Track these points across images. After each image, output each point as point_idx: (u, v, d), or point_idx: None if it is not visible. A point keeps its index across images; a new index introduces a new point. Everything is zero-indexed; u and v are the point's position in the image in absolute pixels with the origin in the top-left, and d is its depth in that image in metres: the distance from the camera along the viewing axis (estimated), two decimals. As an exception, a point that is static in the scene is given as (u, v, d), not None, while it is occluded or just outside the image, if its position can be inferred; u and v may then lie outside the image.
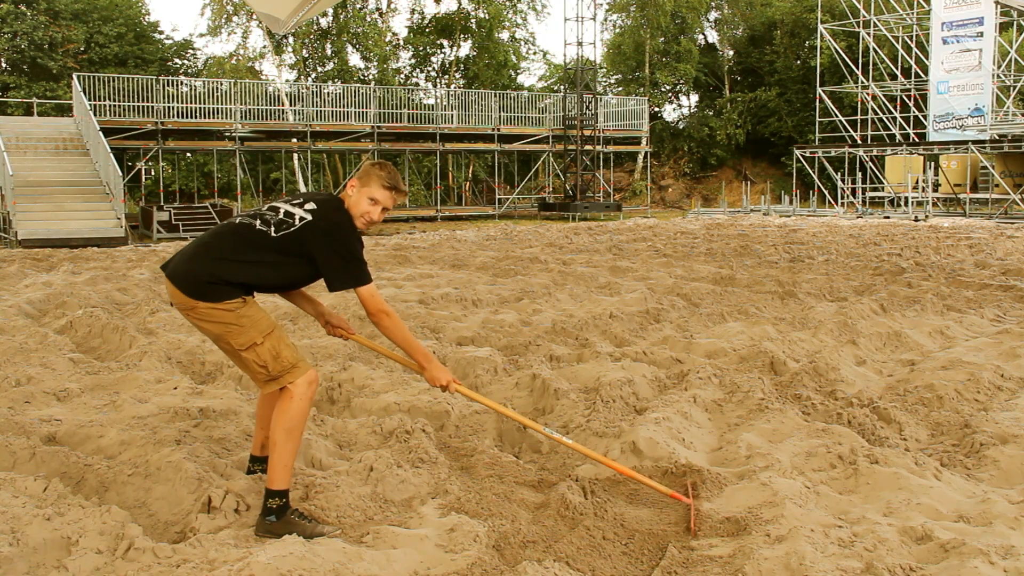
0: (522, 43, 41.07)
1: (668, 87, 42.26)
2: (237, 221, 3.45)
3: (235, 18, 35.55)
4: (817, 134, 31.79)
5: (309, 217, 3.37)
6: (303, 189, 31.72)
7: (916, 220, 23.89)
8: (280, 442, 3.29)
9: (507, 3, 38.75)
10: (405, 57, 39.29)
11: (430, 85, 38.85)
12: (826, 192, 30.08)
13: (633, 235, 19.10)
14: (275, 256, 3.35)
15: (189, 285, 3.29)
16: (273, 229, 3.36)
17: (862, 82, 30.49)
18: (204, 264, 3.31)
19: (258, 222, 3.39)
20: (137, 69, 32.56)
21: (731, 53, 42.28)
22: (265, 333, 3.32)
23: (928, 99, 28.73)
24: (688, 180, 40.04)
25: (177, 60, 38.07)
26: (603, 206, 29.44)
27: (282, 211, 3.42)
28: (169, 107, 24.48)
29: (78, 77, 23.49)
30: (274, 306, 8.08)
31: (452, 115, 29.23)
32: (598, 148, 30.80)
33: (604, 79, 42.00)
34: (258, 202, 29.67)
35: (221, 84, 26.63)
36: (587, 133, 29.62)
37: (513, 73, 40.58)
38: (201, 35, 55.25)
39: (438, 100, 31.36)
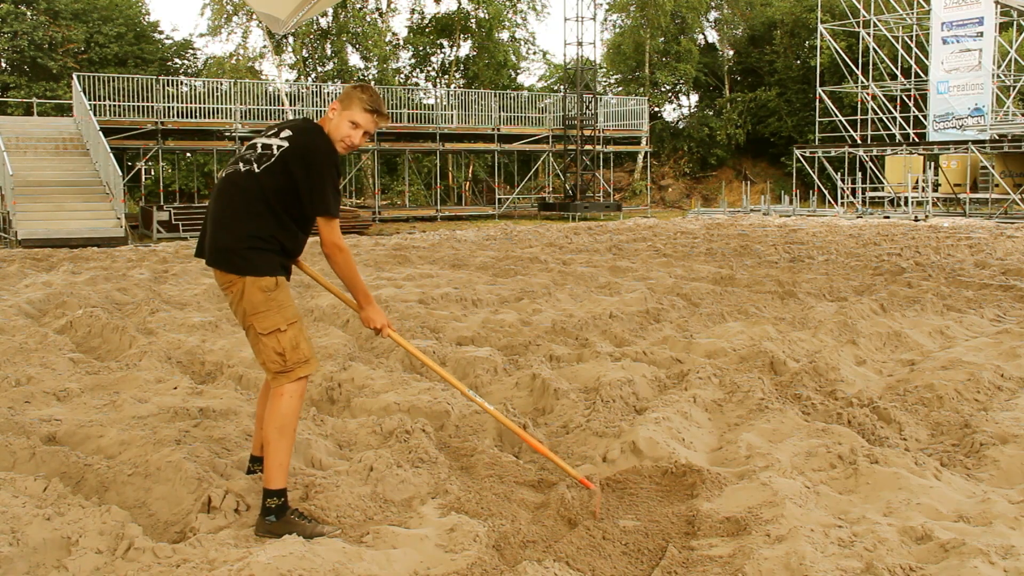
0: (522, 43, 41.10)
1: (668, 87, 42.27)
2: (225, 175, 3.44)
3: (235, 18, 35.55)
4: (817, 134, 31.79)
5: (286, 144, 3.36)
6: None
7: (916, 220, 23.90)
8: (274, 441, 3.29)
9: (507, 3, 38.75)
10: (405, 57, 39.33)
11: (430, 85, 38.86)
12: (826, 192, 30.08)
13: (633, 235, 19.10)
14: (269, 193, 3.32)
15: (227, 260, 3.31)
16: (255, 166, 3.35)
17: (862, 82, 30.50)
18: (226, 235, 3.31)
19: (241, 165, 3.38)
20: (137, 69, 32.56)
21: (731, 53, 42.28)
22: (290, 321, 3.33)
23: (928, 99, 28.73)
24: (688, 180, 40.05)
25: (177, 60, 38.08)
26: (603, 206, 29.44)
27: (259, 145, 3.41)
28: (169, 107, 24.48)
29: (78, 77, 23.49)
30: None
31: (452, 115, 29.24)
32: (598, 148, 30.80)
33: (604, 79, 42.02)
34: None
35: (221, 84, 26.63)
36: (587, 133, 29.63)
37: (513, 73, 40.59)
38: (201, 35, 55.33)
39: (438, 100, 31.37)
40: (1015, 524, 3.21)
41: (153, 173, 30.31)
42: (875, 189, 30.10)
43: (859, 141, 30.70)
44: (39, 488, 3.48)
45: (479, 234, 20.17)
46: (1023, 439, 4.17)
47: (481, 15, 37.29)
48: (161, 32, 38.23)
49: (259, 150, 3.39)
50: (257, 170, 3.33)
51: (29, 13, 32.33)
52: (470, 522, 3.27)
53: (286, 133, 3.41)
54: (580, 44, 29.64)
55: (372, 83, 32.80)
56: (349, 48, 36.55)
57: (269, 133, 3.45)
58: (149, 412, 4.73)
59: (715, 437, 4.52)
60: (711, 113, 40.90)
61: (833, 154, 30.22)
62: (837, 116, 30.95)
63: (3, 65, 33.66)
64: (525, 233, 20.29)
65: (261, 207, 3.32)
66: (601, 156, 31.68)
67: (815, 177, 29.66)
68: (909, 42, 29.91)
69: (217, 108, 25.49)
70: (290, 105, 27.78)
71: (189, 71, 37.75)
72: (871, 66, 30.33)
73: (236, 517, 3.45)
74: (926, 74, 28.73)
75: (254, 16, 32.81)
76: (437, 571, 2.99)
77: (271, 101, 28.08)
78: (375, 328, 3.54)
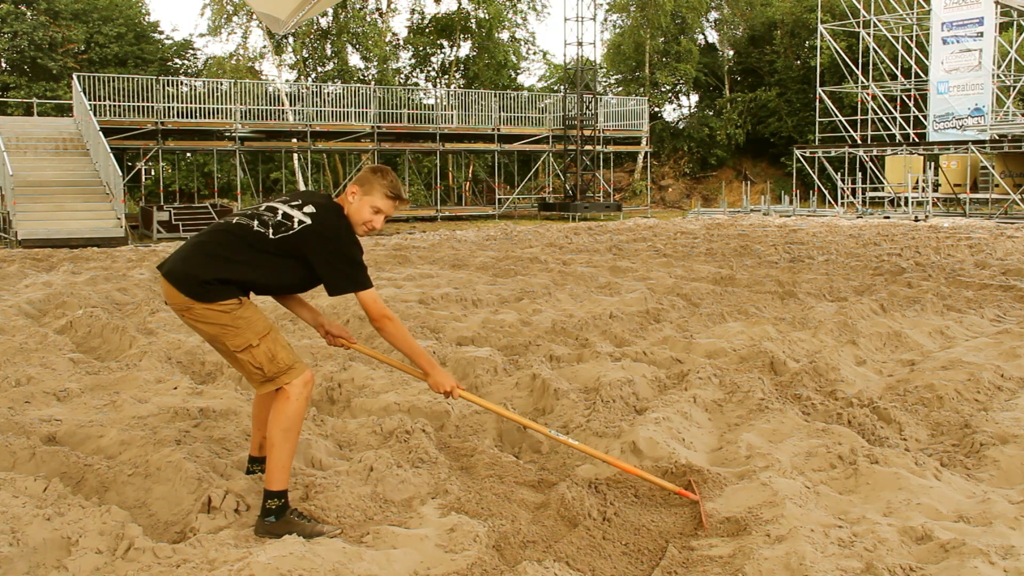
0: (522, 43, 41.10)
1: (668, 87, 42.27)
2: (234, 221, 3.40)
3: (235, 18, 35.56)
4: (817, 134, 31.80)
5: (308, 221, 3.33)
6: (303, 188, 31.72)
7: (916, 220, 23.90)
8: (277, 443, 3.28)
9: (507, 3, 38.75)
10: (405, 57, 39.34)
11: (430, 85, 38.87)
12: (826, 192, 30.08)
13: (633, 235, 19.10)
14: (272, 258, 3.31)
15: (185, 285, 3.25)
16: (271, 231, 3.31)
17: (862, 82, 30.50)
18: (200, 264, 3.27)
19: (255, 223, 3.34)
20: (137, 69, 32.57)
21: (731, 53, 42.28)
22: (261, 335, 3.29)
23: (928, 99, 28.73)
24: (688, 180, 40.05)
25: (177, 60, 38.09)
26: (603, 206, 29.44)
27: (280, 212, 3.37)
28: (169, 107, 24.48)
29: (78, 77, 23.49)
30: (273, 306, 8.08)
31: (452, 115, 29.24)
32: (598, 148, 30.80)
33: (604, 79, 42.02)
34: (258, 202, 29.68)
35: (221, 84, 26.64)
36: (587, 133, 29.63)
37: (513, 73, 40.59)
38: (201, 35, 55.34)
39: (438, 100, 31.36)
40: (1015, 524, 3.21)
41: (153, 173, 30.32)
42: (875, 189, 30.10)
43: (859, 141, 30.70)
44: (39, 488, 3.48)
45: (479, 234, 20.17)
46: (1023, 439, 4.17)
47: (481, 15, 37.29)
48: (161, 32, 38.25)
49: (278, 217, 3.34)
50: (271, 236, 3.30)
51: (29, 13, 32.33)
52: (470, 522, 3.26)
53: (309, 209, 3.36)
54: (580, 44, 29.65)
55: (372, 83, 32.80)
56: (349, 48, 36.57)
57: (292, 203, 3.41)
58: (149, 412, 4.73)
59: (715, 437, 4.52)
60: (711, 113, 40.90)
61: (833, 154, 30.22)
62: (837, 116, 30.95)
63: (3, 65, 33.67)
64: (525, 233, 20.29)
65: (257, 270, 3.30)
66: (601, 156, 31.68)
67: (815, 177, 29.66)
68: (909, 42, 29.91)
69: (217, 108, 25.49)
70: (290, 105, 27.79)
71: (189, 71, 37.78)
72: (871, 66, 30.33)
73: (236, 517, 3.45)
74: (926, 74, 28.73)
75: (254, 16, 32.81)
76: (437, 571, 2.99)
77: (271, 101, 28.09)
78: (444, 392, 3.53)
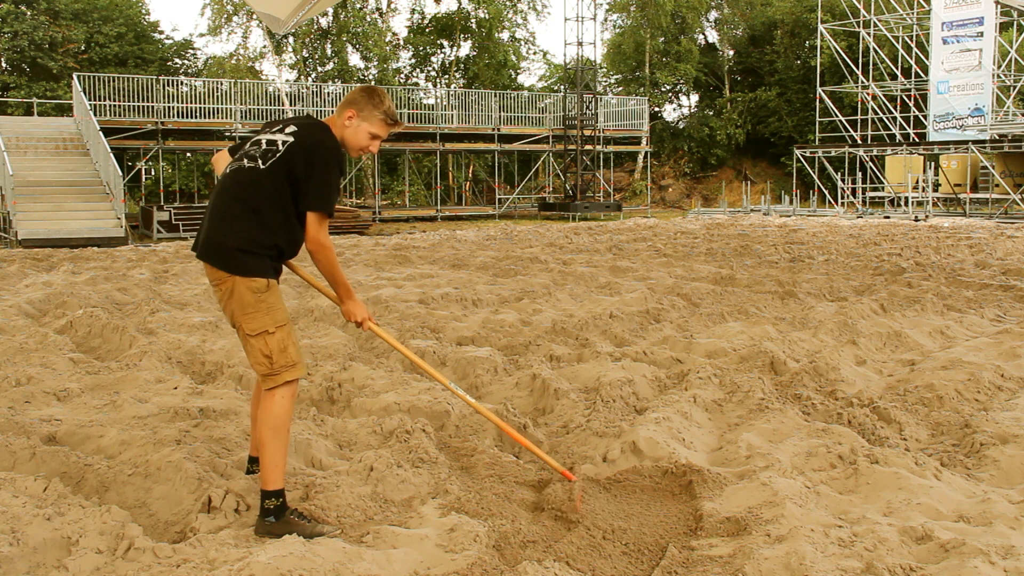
0: (522, 43, 41.11)
1: (668, 87, 42.27)
2: (229, 171, 3.41)
3: (235, 18, 35.57)
4: (817, 134, 31.80)
5: (291, 139, 3.34)
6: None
7: (916, 220, 23.89)
8: (268, 443, 3.29)
9: (507, 3, 38.75)
10: (405, 57, 39.35)
11: (430, 85, 38.87)
12: (826, 192, 30.08)
13: (633, 235, 19.10)
14: (270, 194, 3.30)
15: (220, 257, 3.29)
16: (261, 162, 3.33)
17: (862, 82, 30.50)
18: (224, 231, 3.29)
19: (246, 161, 3.36)
20: (137, 69, 32.57)
21: (731, 53, 42.29)
22: (279, 324, 3.31)
23: (928, 99, 28.73)
24: (688, 180, 40.05)
25: (177, 60, 38.09)
26: (603, 206, 29.44)
27: (264, 141, 3.39)
28: (169, 107, 24.48)
29: (78, 77, 23.49)
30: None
31: (452, 115, 29.24)
32: (598, 148, 30.80)
33: (604, 79, 42.02)
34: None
35: (221, 84, 26.64)
36: (587, 133, 29.62)
37: (513, 73, 40.59)
38: (201, 35, 55.34)
39: (438, 100, 31.37)
40: (1015, 524, 3.21)
41: (153, 173, 30.31)
42: (875, 189, 30.10)
43: (859, 141, 30.70)
44: (39, 488, 3.48)
45: (479, 234, 20.17)
46: (1023, 439, 4.17)
47: (481, 15, 37.30)
48: (161, 32, 38.25)
49: (264, 146, 3.37)
50: (262, 166, 3.32)
51: (29, 13, 32.33)
52: (470, 522, 3.26)
53: (291, 128, 3.39)
54: (580, 44, 29.64)
55: (372, 83, 32.79)
56: (349, 48, 36.56)
57: (274, 129, 3.43)
58: (149, 412, 4.73)
59: (715, 437, 4.52)
60: (711, 113, 40.90)
61: (833, 154, 30.22)
62: (837, 116, 30.95)
63: (3, 65, 33.67)
64: (525, 233, 20.29)
65: (264, 206, 3.30)
66: (601, 156, 31.68)
67: (815, 177, 29.66)
68: (909, 42, 29.91)
69: (217, 108, 25.49)
70: (290, 105, 27.78)
71: (189, 71, 37.77)
72: (871, 66, 30.33)
73: (236, 517, 3.45)
74: (926, 74, 28.73)
75: (254, 16, 32.82)
76: (437, 571, 2.99)
77: (271, 101, 28.08)
78: (356, 321, 3.53)
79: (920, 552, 3.02)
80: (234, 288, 3.29)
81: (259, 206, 3.30)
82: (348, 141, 3.42)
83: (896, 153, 28.47)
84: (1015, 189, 25.60)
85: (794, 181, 31.33)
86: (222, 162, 3.62)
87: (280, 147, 3.33)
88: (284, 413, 3.31)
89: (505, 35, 39.51)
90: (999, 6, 26.92)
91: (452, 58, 39.23)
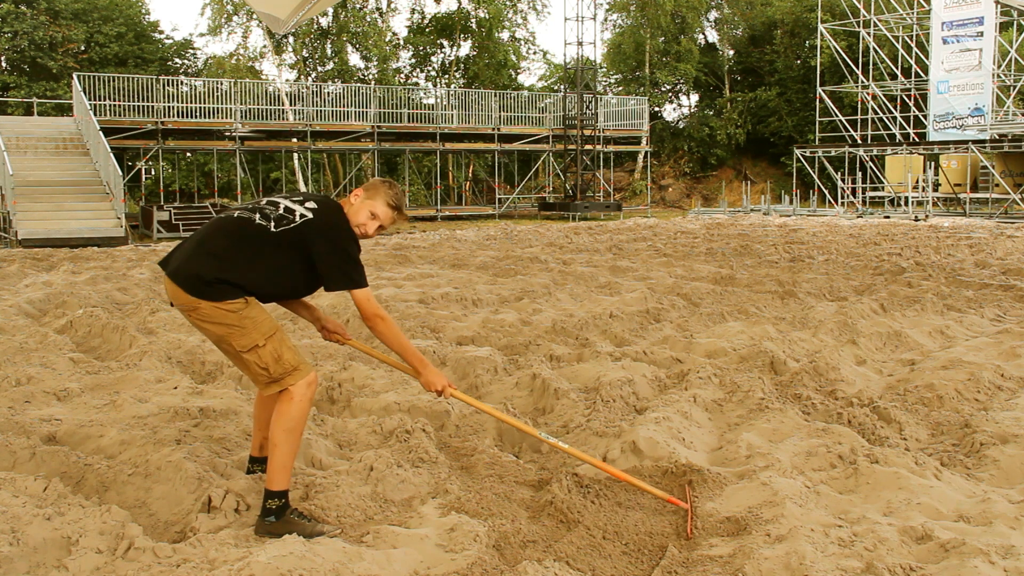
0: (522, 43, 41.11)
1: (668, 87, 42.27)
2: (236, 215, 3.40)
3: (235, 18, 35.55)
4: (817, 134, 31.79)
5: (310, 215, 3.35)
6: (303, 189, 31.74)
7: (916, 220, 23.89)
8: (280, 443, 3.28)
9: (507, 3, 38.75)
10: (405, 57, 39.34)
11: (430, 85, 38.86)
12: (826, 192, 30.08)
13: (633, 235, 19.10)
14: (272, 254, 3.31)
15: (191, 284, 3.24)
16: (273, 224, 3.32)
17: (862, 82, 30.49)
18: (203, 263, 3.25)
19: (257, 216, 3.35)
20: (137, 69, 32.56)
21: (731, 53, 42.28)
22: (267, 335, 3.29)
23: (928, 99, 28.73)
24: (688, 180, 40.04)
25: (177, 60, 38.07)
26: (603, 206, 29.44)
27: (282, 207, 3.39)
28: (169, 107, 24.48)
29: (78, 77, 23.49)
30: (273, 307, 8.08)
31: (452, 115, 29.24)
32: (598, 148, 30.80)
33: (604, 79, 42.01)
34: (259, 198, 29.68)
35: (221, 84, 26.63)
36: (587, 133, 29.62)
37: (513, 73, 40.59)
38: (201, 35, 55.27)
39: (438, 100, 31.37)
40: (1015, 524, 3.21)
41: (153, 173, 30.32)
42: (875, 189, 30.09)
43: (859, 141, 30.70)
44: (39, 488, 3.48)
45: (479, 234, 20.17)
46: (1023, 439, 4.17)
47: (481, 15, 37.30)
48: (161, 32, 38.23)
49: (280, 211, 3.37)
50: (273, 229, 3.31)
51: (29, 13, 32.32)
52: (470, 522, 3.26)
53: (311, 205, 3.40)
54: (580, 44, 29.64)
55: (372, 83, 32.81)
56: (349, 48, 36.57)
57: (293, 199, 3.45)
58: (149, 412, 4.73)
59: (715, 437, 4.52)
60: (711, 113, 40.90)
61: (833, 154, 30.22)
62: (837, 116, 30.95)
63: (3, 65, 33.67)
64: (525, 233, 20.29)
65: (257, 261, 3.29)
66: (601, 156, 31.67)
67: (815, 177, 29.66)
68: (909, 42, 29.90)
69: (217, 108, 25.49)
70: (290, 105, 27.79)
71: (189, 71, 37.76)
72: (871, 66, 30.32)
73: (236, 517, 3.45)
74: (926, 74, 28.73)
75: (254, 16, 32.81)
76: (437, 571, 2.99)
77: (271, 101, 28.09)
78: (436, 391, 3.54)
79: (920, 552, 3.02)
80: (210, 313, 3.25)
81: (252, 258, 3.29)
82: (351, 218, 3.46)
83: (896, 153, 28.47)
84: (1015, 189, 25.59)
85: (794, 181, 31.33)
86: None
87: (296, 219, 3.34)
88: (300, 415, 3.31)
89: (505, 35, 39.55)
90: (999, 6, 26.92)
91: (452, 58, 39.24)
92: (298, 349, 3.45)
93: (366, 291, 3.38)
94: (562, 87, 32.10)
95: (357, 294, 3.35)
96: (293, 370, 3.31)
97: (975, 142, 25.83)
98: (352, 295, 3.37)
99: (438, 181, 30.02)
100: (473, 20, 37.63)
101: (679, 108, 44.39)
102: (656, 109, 40.91)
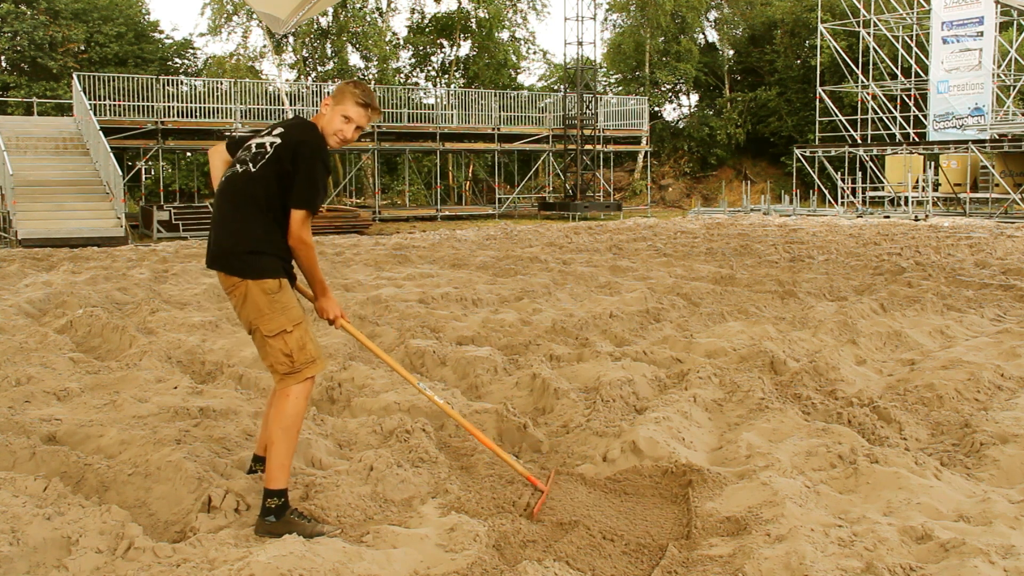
0: (522, 43, 41.10)
1: (668, 87, 42.27)
2: (225, 176, 3.46)
3: (235, 18, 35.56)
4: (817, 134, 31.79)
5: (279, 140, 3.39)
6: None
7: (916, 220, 23.89)
8: (277, 441, 3.30)
9: (507, 3, 38.74)
10: (405, 57, 39.33)
11: (430, 85, 38.86)
12: (826, 192, 30.08)
13: (633, 235, 19.10)
14: (264, 192, 3.34)
15: (226, 263, 3.35)
16: (251, 165, 3.38)
17: (862, 82, 30.49)
18: (227, 238, 3.35)
19: (239, 166, 3.42)
20: (137, 69, 32.54)
21: (731, 53, 42.28)
22: (295, 322, 3.35)
23: (928, 99, 28.73)
24: (688, 180, 40.04)
25: (177, 60, 38.05)
26: (603, 206, 29.44)
27: (254, 144, 3.44)
28: (169, 107, 24.49)
29: (78, 77, 23.49)
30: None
31: (452, 115, 29.24)
32: (598, 148, 30.80)
33: (604, 79, 42.00)
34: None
35: (221, 84, 26.64)
36: (587, 133, 29.62)
37: (513, 73, 40.59)
38: (201, 35, 55.20)
39: (438, 100, 31.38)
40: (1015, 524, 3.21)
41: (153, 173, 30.30)
42: (875, 189, 30.09)
43: (859, 141, 30.69)
44: (39, 488, 3.48)
45: (479, 234, 20.17)
46: (1023, 439, 4.17)
47: (481, 15, 37.29)
48: (161, 32, 38.22)
49: (254, 150, 3.42)
50: (253, 169, 3.36)
51: (29, 13, 32.31)
52: (470, 522, 3.27)
53: (279, 131, 3.45)
54: (580, 44, 29.64)
55: (372, 83, 32.80)
56: (349, 48, 36.56)
57: (264, 133, 3.49)
58: (149, 412, 4.73)
59: (715, 437, 4.52)
60: (711, 113, 40.90)
61: (833, 154, 30.22)
62: (837, 116, 30.95)
63: (3, 65, 33.66)
64: (525, 233, 20.28)
65: (261, 207, 3.34)
66: (601, 156, 31.67)
67: (815, 177, 29.65)
68: (909, 42, 29.90)
69: (217, 108, 25.50)
70: (290, 105, 27.78)
71: (189, 71, 37.74)
72: (871, 66, 30.32)
73: (236, 517, 3.45)
74: (926, 74, 28.73)
75: (254, 16, 32.81)
76: (437, 571, 2.99)
77: (271, 101, 28.08)
78: (329, 319, 3.56)
79: (920, 552, 3.02)
80: (247, 292, 3.32)
81: (256, 208, 3.34)
82: (325, 129, 3.45)
83: (896, 153, 28.47)
84: (1015, 189, 25.59)
85: (794, 181, 31.33)
86: (216, 157, 3.66)
87: (268, 149, 3.38)
88: (297, 413, 3.33)
89: (505, 35, 39.54)
90: (999, 6, 26.92)
91: (452, 58, 39.23)
92: (319, 343, 3.48)
93: (305, 213, 3.35)
94: (562, 87, 32.10)
95: (296, 212, 3.34)
96: (312, 362, 3.36)
97: (975, 142, 25.83)
98: (292, 212, 3.34)
99: (438, 181, 30.02)
100: (473, 20, 37.62)
101: (679, 108, 44.46)
102: (656, 109, 40.91)
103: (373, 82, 33.47)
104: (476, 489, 3.70)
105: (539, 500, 3.49)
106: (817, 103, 31.55)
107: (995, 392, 5.18)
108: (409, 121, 29.32)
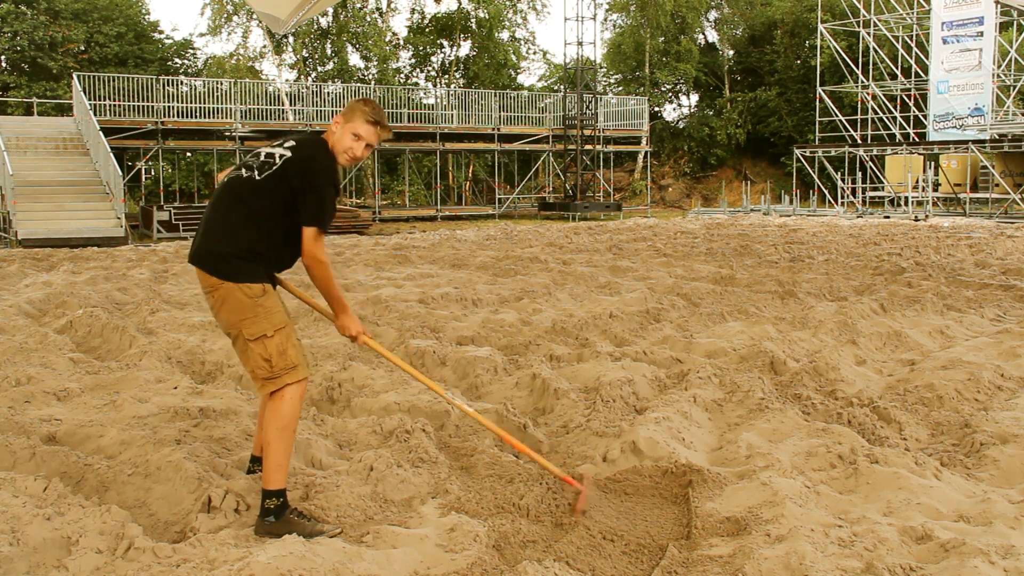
0: (522, 43, 41.11)
1: (668, 87, 42.28)
2: (227, 179, 3.46)
3: (235, 18, 35.56)
4: (817, 134, 31.79)
5: (289, 154, 3.38)
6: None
7: (916, 220, 23.89)
8: (273, 442, 3.29)
9: (507, 3, 38.74)
10: (405, 57, 39.34)
11: (430, 85, 38.87)
12: (826, 192, 30.07)
13: (633, 235, 19.09)
14: (265, 203, 3.32)
15: (210, 264, 3.32)
16: (257, 172, 3.36)
17: (862, 82, 30.49)
18: (215, 239, 3.33)
19: (244, 171, 3.40)
20: (137, 69, 32.54)
21: (731, 53, 42.28)
22: (277, 327, 3.32)
23: (928, 99, 28.73)
24: (688, 180, 40.04)
25: (177, 60, 38.05)
26: (603, 206, 29.43)
27: (263, 153, 3.43)
28: (169, 107, 24.48)
29: (78, 77, 23.49)
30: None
31: (452, 115, 29.24)
32: (598, 148, 30.80)
33: (604, 79, 42.01)
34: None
35: (221, 84, 26.64)
36: (587, 133, 29.62)
37: (513, 73, 40.59)
38: (201, 35, 55.28)
39: (438, 100, 31.37)
40: (1015, 524, 3.21)
41: (153, 173, 30.30)
42: (875, 189, 30.09)
43: (859, 141, 30.69)
44: (39, 488, 3.48)
45: (479, 234, 20.17)
46: (1023, 439, 4.17)
47: (481, 15, 37.30)
48: (161, 32, 38.20)
49: (262, 158, 3.41)
50: (258, 177, 3.35)
51: (29, 13, 32.31)
52: (470, 522, 3.27)
53: (290, 144, 3.43)
54: (580, 44, 29.64)
55: (372, 83, 32.80)
56: (349, 48, 36.56)
57: (275, 143, 3.48)
58: (149, 412, 4.73)
59: (715, 437, 4.52)
60: (711, 113, 40.89)
61: (833, 154, 30.22)
62: (837, 116, 30.95)
63: (3, 65, 33.66)
64: (525, 233, 20.28)
65: (258, 215, 3.33)
66: (601, 156, 31.67)
67: (815, 177, 29.65)
68: (909, 42, 29.90)
69: (217, 108, 25.49)
70: (290, 105, 27.78)
71: (189, 71, 37.74)
72: (871, 66, 30.32)
73: (236, 517, 3.45)
74: (926, 74, 28.73)
75: (254, 16, 32.81)
76: (437, 571, 2.99)
77: (271, 101, 28.08)
78: (350, 336, 3.54)
79: (920, 552, 3.02)
80: (227, 294, 3.30)
81: (252, 217, 3.33)
82: (335, 146, 3.45)
83: (896, 153, 28.47)
84: (1015, 189, 25.59)
85: (794, 181, 31.32)
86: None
87: (277, 161, 3.37)
88: (292, 414, 3.32)
89: (505, 35, 39.54)
90: (999, 6, 26.92)
91: (452, 58, 39.24)
92: (303, 349, 3.45)
93: (316, 231, 3.34)
94: (562, 87, 32.10)
95: (308, 230, 3.33)
96: (293, 368, 3.32)
97: (975, 142, 25.83)
98: (304, 231, 3.34)
99: (438, 181, 30.02)
100: (473, 20, 37.63)
101: (679, 108, 44.46)
102: (656, 109, 40.92)
103: (373, 82, 33.47)
104: (476, 489, 3.70)
105: (579, 497, 3.47)
106: (817, 103, 31.55)
107: (995, 392, 5.17)
108: (409, 121, 29.32)
